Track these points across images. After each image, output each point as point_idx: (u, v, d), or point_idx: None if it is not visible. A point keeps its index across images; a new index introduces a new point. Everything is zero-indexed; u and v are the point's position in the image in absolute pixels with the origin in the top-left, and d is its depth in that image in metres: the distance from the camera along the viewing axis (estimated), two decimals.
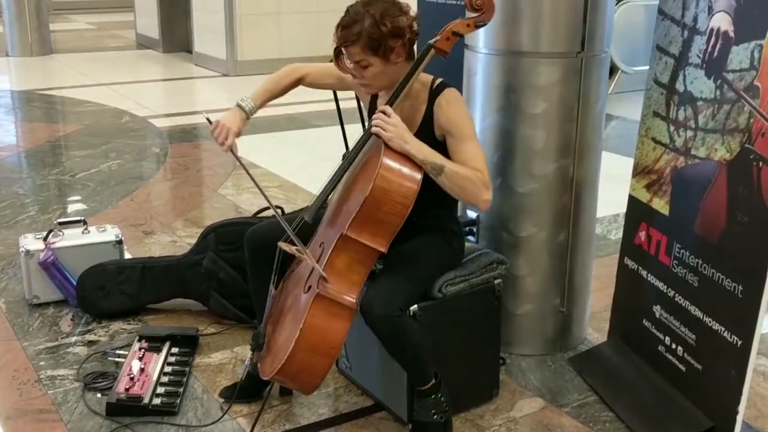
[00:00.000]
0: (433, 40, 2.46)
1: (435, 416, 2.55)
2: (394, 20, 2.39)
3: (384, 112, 2.41)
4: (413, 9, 2.51)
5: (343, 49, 2.45)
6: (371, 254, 2.41)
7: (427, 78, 2.53)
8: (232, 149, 2.57)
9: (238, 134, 2.59)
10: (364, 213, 2.35)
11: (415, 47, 2.53)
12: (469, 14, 2.52)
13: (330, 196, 2.55)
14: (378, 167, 2.35)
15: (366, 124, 2.64)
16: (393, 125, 2.39)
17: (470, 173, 2.41)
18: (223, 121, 2.58)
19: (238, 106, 2.64)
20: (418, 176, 2.38)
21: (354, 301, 2.39)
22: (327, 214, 2.61)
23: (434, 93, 2.50)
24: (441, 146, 2.49)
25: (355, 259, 2.40)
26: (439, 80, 2.53)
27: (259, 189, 2.56)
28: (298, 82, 2.78)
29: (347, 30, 2.40)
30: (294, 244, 2.48)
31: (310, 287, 2.42)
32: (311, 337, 2.36)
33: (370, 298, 2.39)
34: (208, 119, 2.59)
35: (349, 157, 2.50)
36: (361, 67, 2.45)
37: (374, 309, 2.37)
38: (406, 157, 2.39)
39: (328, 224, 2.56)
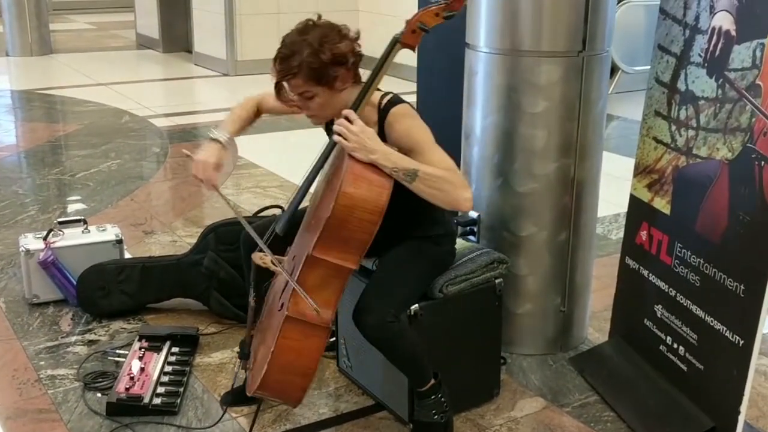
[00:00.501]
0: (399, 33, 2.33)
1: (435, 416, 2.54)
2: (333, 47, 2.27)
3: (347, 118, 2.27)
4: (353, 30, 2.39)
5: (284, 83, 2.35)
6: (343, 272, 2.31)
7: (375, 98, 2.39)
8: (217, 188, 2.48)
9: (219, 166, 2.50)
10: (328, 233, 2.23)
11: (360, 71, 2.41)
12: (435, 4, 2.33)
13: (314, 190, 2.50)
14: (340, 184, 2.21)
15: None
16: (355, 133, 2.24)
17: (445, 173, 2.27)
18: (200, 157, 2.50)
19: (213, 140, 2.54)
20: (386, 190, 2.24)
21: (328, 319, 2.31)
22: (305, 218, 2.55)
23: (383, 113, 2.36)
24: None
25: (327, 276, 2.30)
26: (387, 99, 2.39)
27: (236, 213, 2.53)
28: (258, 112, 2.72)
29: (286, 63, 2.29)
30: (270, 248, 2.42)
31: (282, 305, 2.35)
32: (284, 359, 2.30)
33: (361, 308, 2.38)
34: (188, 155, 2.53)
35: (315, 166, 2.38)
36: (306, 99, 2.34)
37: (366, 319, 2.36)
38: (372, 169, 2.24)
39: (302, 235, 2.50)
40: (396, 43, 2.33)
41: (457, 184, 2.28)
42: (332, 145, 2.35)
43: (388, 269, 2.52)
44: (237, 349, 3.09)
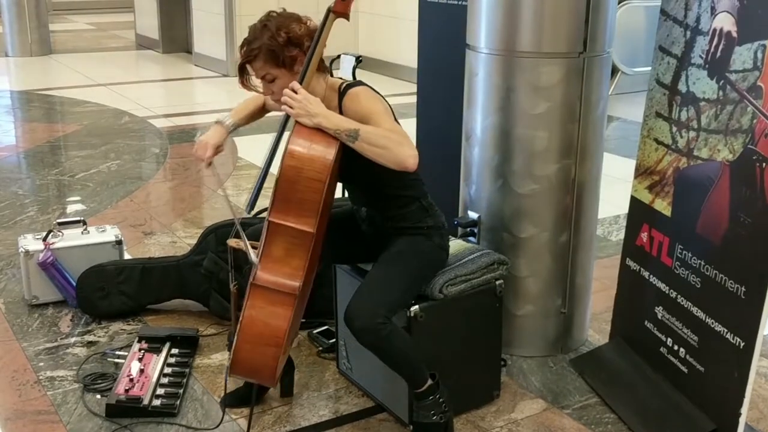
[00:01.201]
0: (332, 2, 2.49)
1: (435, 417, 2.54)
2: (289, 30, 2.44)
3: (292, 89, 2.42)
4: (314, 22, 2.54)
5: (247, 67, 2.50)
6: (304, 237, 2.40)
7: (335, 83, 2.55)
8: (212, 163, 2.63)
9: (218, 147, 2.66)
10: (281, 195, 2.37)
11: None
12: None
13: None
14: (286, 147, 2.38)
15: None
16: (299, 100, 2.40)
17: (387, 132, 2.37)
18: (202, 138, 2.67)
19: (218, 122, 2.72)
20: (332, 150, 2.37)
21: (296, 286, 2.39)
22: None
23: (341, 96, 2.51)
24: None
25: (290, 244, 2.40)
26: (346, 83, 2.54)
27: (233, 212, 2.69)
28: (263, 107, 2.84)
29: (248, 46, 2.47)
30: (249, 237, 2.53)
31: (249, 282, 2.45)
32: (252, 329, 2.38)
33: (351, 310, 2.40)
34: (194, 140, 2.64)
35: (271, 147, 2.52)
36: (268, 81, 2.49)
37: (356, 321, 2.39)
38: (318, 133, 2.39)
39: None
40: (329, 13, 2.48)
41: (399, 142, 2.36)
42: (285, 117, 2.49)
43: (379, 270, 2.54)
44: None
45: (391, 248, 2.58)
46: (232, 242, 2.58)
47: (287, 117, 2.48)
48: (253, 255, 2.42)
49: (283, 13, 2.53)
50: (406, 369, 2.51)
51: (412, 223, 2.61)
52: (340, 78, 2.55)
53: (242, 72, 2.52)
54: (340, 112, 2.48)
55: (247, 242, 2.48)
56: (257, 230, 2.62)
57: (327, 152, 2.37)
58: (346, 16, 2.49)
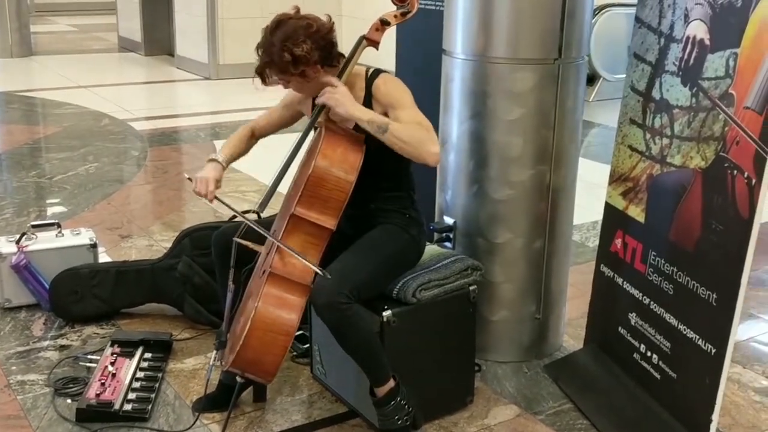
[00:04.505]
0: (366, 32, 2.62)
1: (399, 421, 2.54)
2: (294, 50, 2.45)
3: (330, 83, 2.52)
4: (329, 22, 2.57)
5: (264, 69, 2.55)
6: (321, 233, 2.49)
7: (361, 69, 2.64)
8: (217, 197, 2.69)
9: (218, 182, 2.72)
10: (309, 190, 2.46)
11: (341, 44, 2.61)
12: (396, 7, 2.65)
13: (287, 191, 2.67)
14: (319, 145, 2.48)
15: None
16: (340, 92, 2.49)
17: (415, 127, 2.48)
18: (201, 175, 2.71)
19: (212, 160, 2.77)
20: (360, 150, 2.50)
21: (309, 279, 2.46)
22: (281, 209, 2.70)
23: (370, 80, 2.60)
24: None
25: (306, 241, 2.49)
26: (373, 69, 2.63)
27: (243, 218, 2.70)
28: (253, 138, 2.94)
29: (260, 56, 2.53)
30: (250, 240, 2.62)
31: (264, 272, 2.50)
32: (267, 316, 2.42)
33: (317, 287, 2.43)
34: (189, 179, 2.73)
35: (292, 149, 2.58)
36: (285, 82, 2.57)
37: (320, 296, 2.41)
38: (348, 135, 2.52)
39: (281, 217, 2.65)
40: (362, 40, 2.62)
41: (425, 139, 2.47)
42: (319, 109, 2.56)
43: (349, 253, 2.56)
44: (210, 354, 3.09)
45: (366, 235, 2.61)
46: (239, 240, 2.65)
47: (320, 109, 2.55)
48: (314, 267, 2.46)
49: (293, 20, 2.51)
50: (369, 361, 2.51)
51: (396, 208, 2.67)
52: (363, 64, 2.65)
53: (262, 75, 2.56)
54: (367, 94, 2.59)
55: (264, 231, 2.57)
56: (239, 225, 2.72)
57: (356, 154, 2.50)
58: (376, 45, 2.62)
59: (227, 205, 2.75)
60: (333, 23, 2.58)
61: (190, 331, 3.36)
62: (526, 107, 2.90)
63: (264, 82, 2.58)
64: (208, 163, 2.76)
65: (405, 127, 2.47)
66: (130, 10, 11.48)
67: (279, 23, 2.51)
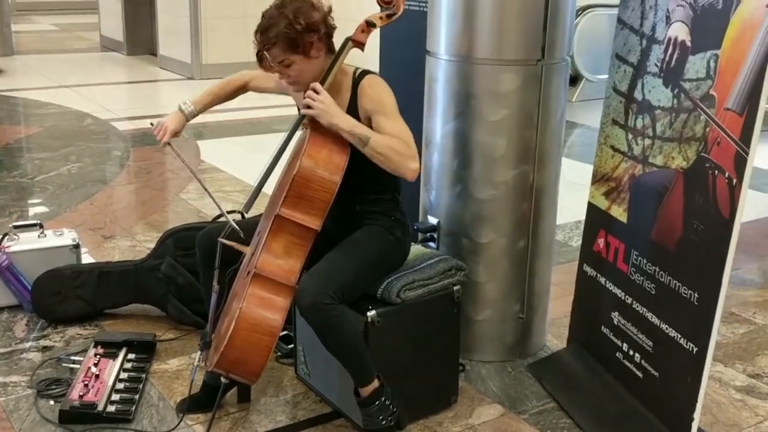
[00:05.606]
0: (352, 34, 2.60)
1: (383, 421, 2.54)
2: (307, 17, 2.48)
3: (314, 90, 2.50)
4: (326, 5, 2.60)
5: (265, 53, 2.53)
6: (306, 234, 2.49)
7: (349, 69, 2.63)
8: (170, 144, 2.77)
9: (176, 133, 2.80)
10: (294, 190, 2.46)
11: (333, 40, 2.63)
12: (381, 8, 2.64)
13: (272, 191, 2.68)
14: (304, 146, 2.48)
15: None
16: (321, 101, 2.48)
17: (395, 141, 2.47)
18: (162, 120, 2.80)
19: (179, 109, 2.84)
20: (345, 151, 2.50)
21: (294, 280, 2.46)
22: (265, 210, 2.71)
23: (357, 80, 2.59)
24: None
25: (291, 242, 2.49)
26: (360, 69, 2.63)
27: (205, 188, 2.87)
28: (244, 86, 2.95)
29: (265, 34, 2.50)
30: (235, 240, 2.63)
31: (249, 272, 2.49)
32: (251, 316, 2.42)
33: (301, 287, 2.43)
34: (151, 123, 2.82)
35: (278, 150, 2.58)
36: (285, 66, 2.54)
37: (304, 297, 2.42)
38: (333, 136, 2.50)
39: (265, 217, 2.65)
40: (348, 41, 2.59)
41: (405, 155, 2.47)
42: (300, 117, 2.58)
43: (334, 254, 2.56)
44: (194, 355, 3.08)
45: (351, 236, 2.62)
46: (224, 240, 2.65)
47: (302, 117, 2.56)
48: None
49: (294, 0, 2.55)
50: (353, 361, 2.51)
51: (381, 210, 2.67)
52: (351, 65, 2.65)
53: (261, 59, 2.55)
54: (353, 95, 2.58)
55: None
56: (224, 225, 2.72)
57: (341, 155, 2.50)
58: (362, 47, 2.60)
59: (179, 156, 2.83)
60: (331, 7, 2.61)
61: (173, 331, 3.35)
62: (509, 108, 2.91)
63: (262, 64, 2.57)
64: (174, 112, 2.83)
65: (385, 141, 2.47)
66: (112, 10, 11.43)
67: (284, 2, 2.53)
